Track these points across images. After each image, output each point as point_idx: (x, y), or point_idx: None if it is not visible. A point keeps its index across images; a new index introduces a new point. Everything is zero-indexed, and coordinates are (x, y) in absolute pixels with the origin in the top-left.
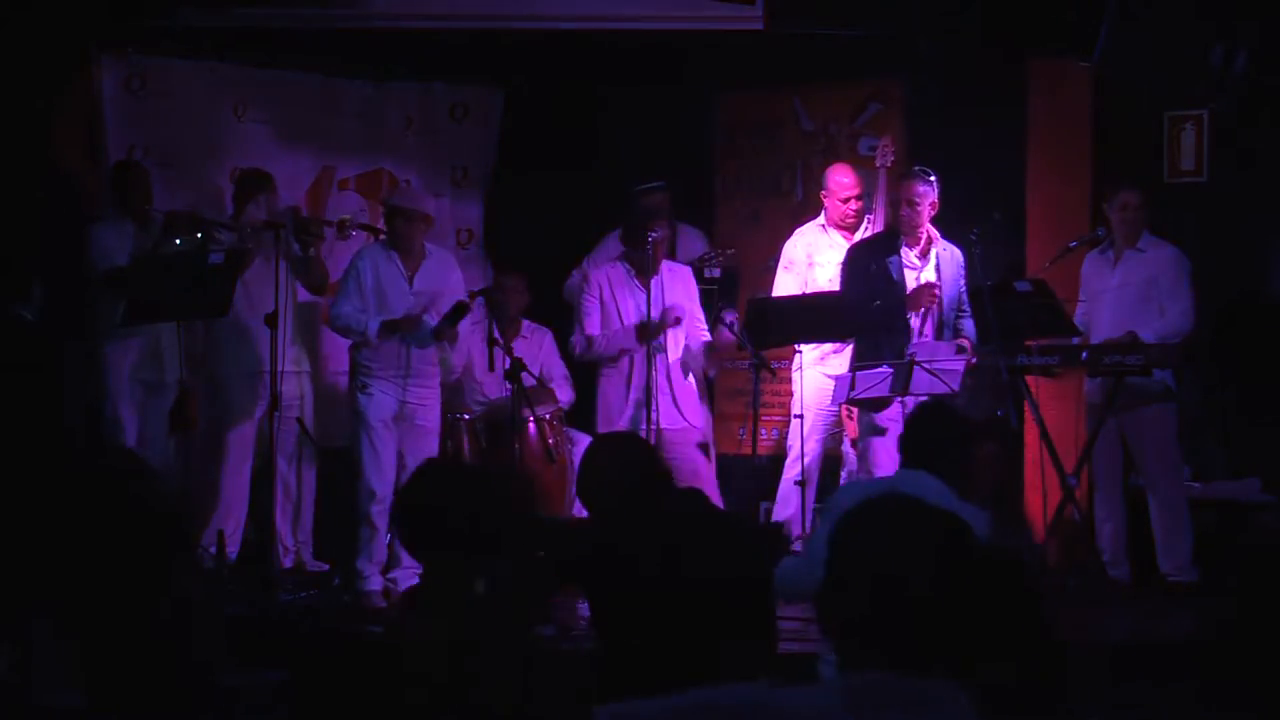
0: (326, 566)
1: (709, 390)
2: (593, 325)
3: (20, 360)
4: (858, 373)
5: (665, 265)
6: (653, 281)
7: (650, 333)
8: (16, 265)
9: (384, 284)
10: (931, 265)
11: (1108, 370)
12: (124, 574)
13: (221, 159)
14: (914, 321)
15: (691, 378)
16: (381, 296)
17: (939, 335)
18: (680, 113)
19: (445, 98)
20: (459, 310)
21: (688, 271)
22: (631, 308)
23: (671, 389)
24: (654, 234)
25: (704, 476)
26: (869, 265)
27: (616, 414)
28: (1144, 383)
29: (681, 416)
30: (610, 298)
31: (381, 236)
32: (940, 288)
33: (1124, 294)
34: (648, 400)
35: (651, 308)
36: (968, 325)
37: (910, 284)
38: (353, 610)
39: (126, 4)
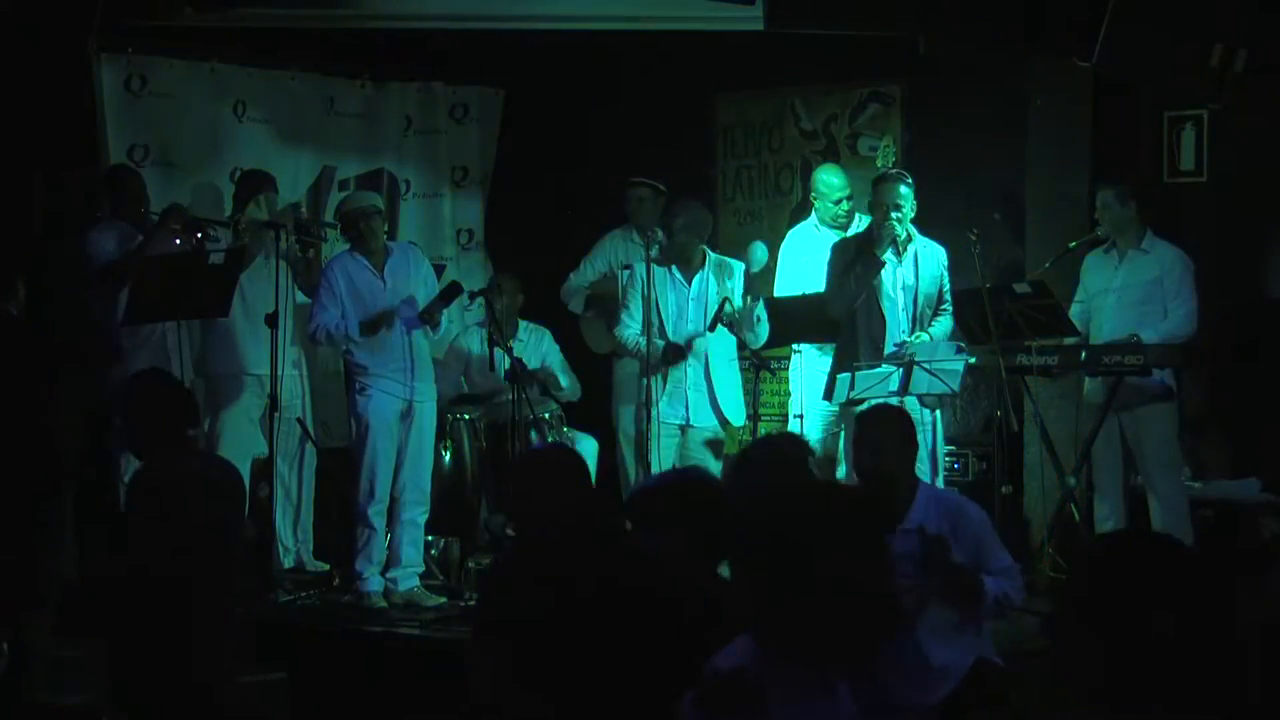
0: (327, 566)
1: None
2: (632, 317)
3: (8, 356)
4: (857, 373)
5: (713, 261)
6: (695, 277)
7: (674, 358)
8: (2, 261)
9: (359, 287)
10: (910, 262)
11: (1107, 370)
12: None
13: (221, 159)
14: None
15: (736, 372)
16: (359, 300)
17: (911, 331)
18: (680, 113)
19: (445, 98)
20: (452, 290)
21: (738, 267)
22: (672, 303)
23: (710, 385)
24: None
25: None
26: (849, 260)
27: (636, 403)
28: (1144, 383)
29: (716, 414)
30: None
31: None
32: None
33: (1127, 294)
34: (649, 400)
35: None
36: (939, 323)
37: (887, 282)
38: (353, 610)
39: (126, 4)
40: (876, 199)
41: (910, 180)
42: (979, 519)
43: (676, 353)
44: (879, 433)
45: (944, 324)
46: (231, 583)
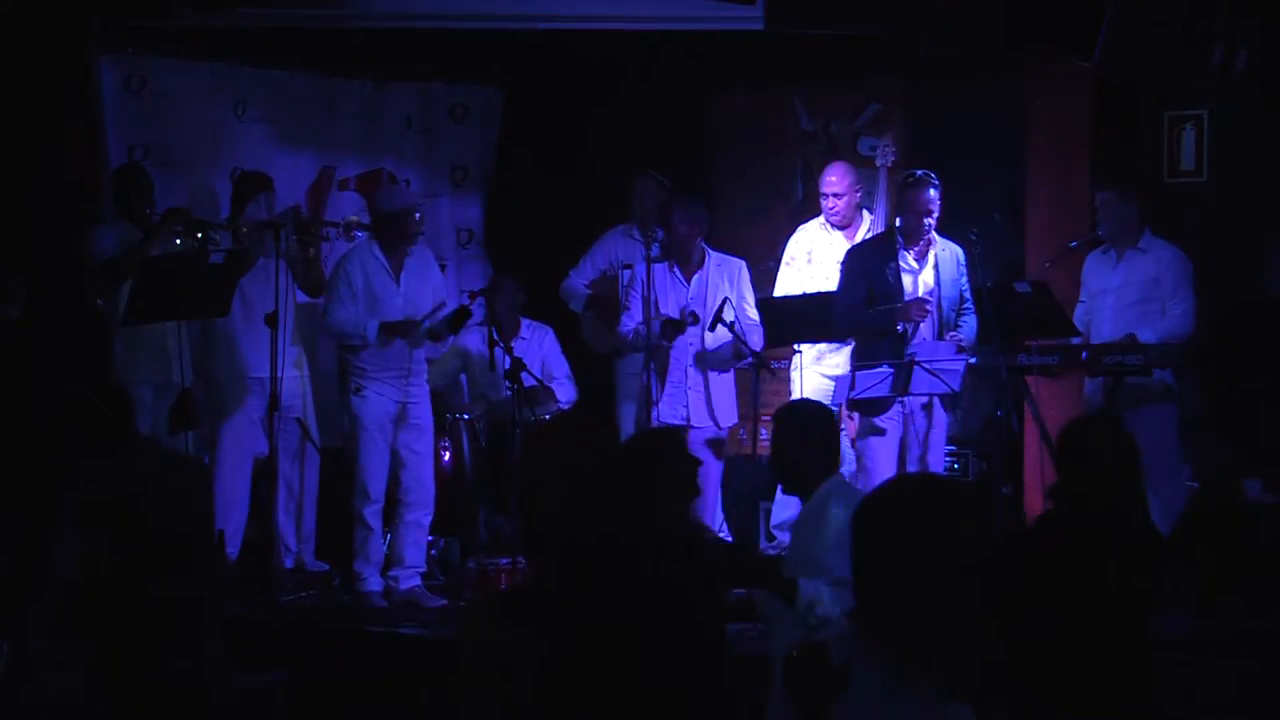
0: (327, 566)
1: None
2: (632, 317)
3: (7, 357)
4: (857, 373)
5: (714, 259)
6: (695, 276)
7: (671, 332)
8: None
9: (374, 285)
10: (930, 267)
11: (1108, 370)
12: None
13: (221, 159)
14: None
15: (730, 375)
16: (372, 297)
17: (939, 336)
18: (680, 113)
19: (445, 98)
20: (461, 314)
21: (739, 265)
22: (671, 301)
23: (707, 387)
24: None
25: (711, 476)
26: (867, 268)
27: (639, 404)
28: (1144, 383)
29: (710, 416)
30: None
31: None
32: (931, 302)
33: (1125, 294)
34: (646, 398)
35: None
36: (965, 323)
37: (908, 287)
38: (353, 610)
39: (126, 4)
40: (905, 204)
41: (937, 181)
42: None
43: (675, 328)
44: (783, 428)
45: (971, 323)
46: (206, 583)
